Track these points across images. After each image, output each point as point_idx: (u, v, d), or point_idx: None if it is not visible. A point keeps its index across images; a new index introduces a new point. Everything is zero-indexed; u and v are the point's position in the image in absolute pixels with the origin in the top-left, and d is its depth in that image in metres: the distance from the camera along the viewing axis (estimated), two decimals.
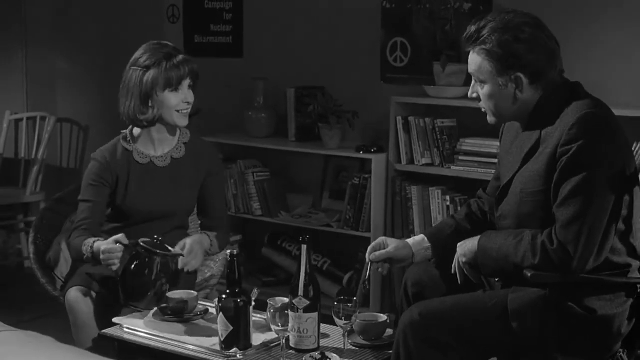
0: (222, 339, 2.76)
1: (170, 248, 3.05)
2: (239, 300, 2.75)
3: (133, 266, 2.98)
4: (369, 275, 2.91)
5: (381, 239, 2.94)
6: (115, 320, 3.02)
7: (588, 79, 2.86)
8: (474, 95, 2.70)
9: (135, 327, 2.95)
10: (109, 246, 3.03)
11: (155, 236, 3.05)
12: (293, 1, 4.90)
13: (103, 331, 2.99)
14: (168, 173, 3.33)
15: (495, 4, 4.15)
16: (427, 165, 4.21)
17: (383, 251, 2.89)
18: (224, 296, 2.76)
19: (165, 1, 5.36)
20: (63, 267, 3.54)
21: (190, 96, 3.26)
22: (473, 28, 2.61)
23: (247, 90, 4.89)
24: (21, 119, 5.72)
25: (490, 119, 2.73)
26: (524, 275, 2.52)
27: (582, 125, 2.48)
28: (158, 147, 3.34)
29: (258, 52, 5.04)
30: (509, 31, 2.55)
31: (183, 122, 3.28)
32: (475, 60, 2.63)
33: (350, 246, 4.52)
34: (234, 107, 5.00)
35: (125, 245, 3.04)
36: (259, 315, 2.93)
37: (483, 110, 2.72)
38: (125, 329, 2.96)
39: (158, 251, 2.99)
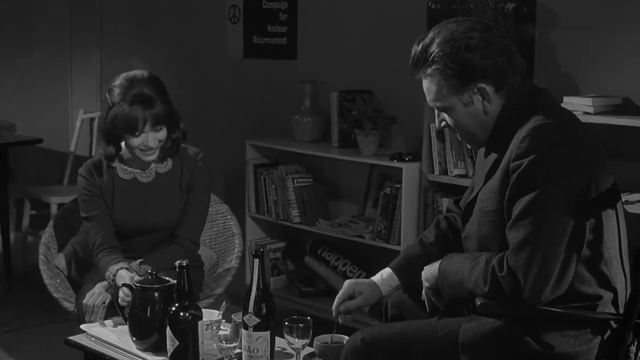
0: (169, 354, 2.64)
1: (167, 278, 2.84)
2: (187, 314, 2.62)
3: (135, 308, 2.79)
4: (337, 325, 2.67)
5: (350, 286, 2.64)
6: (82, 327, 2.96)
7: None
8: (443, 124, 2.45)
9: (99, 335, 2.88)
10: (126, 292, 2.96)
11: (149, 270, 2.92)
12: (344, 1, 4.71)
13: (68, 337, 2.93)
14: (152, 188, 3.28)
15: (539, 3, 3.82)
16: (459, 176, 3.92)
17: (353, 303, 2.62)
18: (172, 309, 2.63)
19: (228, 1, 5.28)
20: (74, 271, 3.51)
21: (151, 139, 3.12)
22: (418, 49, 2.36)
23: (296, 93, 4.73)
24: (94, 118, 5.79)
25: (470, 145, 2.49)
26: (474, 304, 2.27)
27: (534, 138, 2.20)
28: (142, 163, 3.26)
29: (311, 54, 4.88)
30: (457, 41, 2.29)
31: (149, 159, 3.20)
32: (430, 87, 2.38)
33: (384, 259, 4.27)
34: (284, 110, 4.85)
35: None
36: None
37: (460, 138, 2.48)
38: (90, 337, 2.89)
39: (156, 286, 2.79)
